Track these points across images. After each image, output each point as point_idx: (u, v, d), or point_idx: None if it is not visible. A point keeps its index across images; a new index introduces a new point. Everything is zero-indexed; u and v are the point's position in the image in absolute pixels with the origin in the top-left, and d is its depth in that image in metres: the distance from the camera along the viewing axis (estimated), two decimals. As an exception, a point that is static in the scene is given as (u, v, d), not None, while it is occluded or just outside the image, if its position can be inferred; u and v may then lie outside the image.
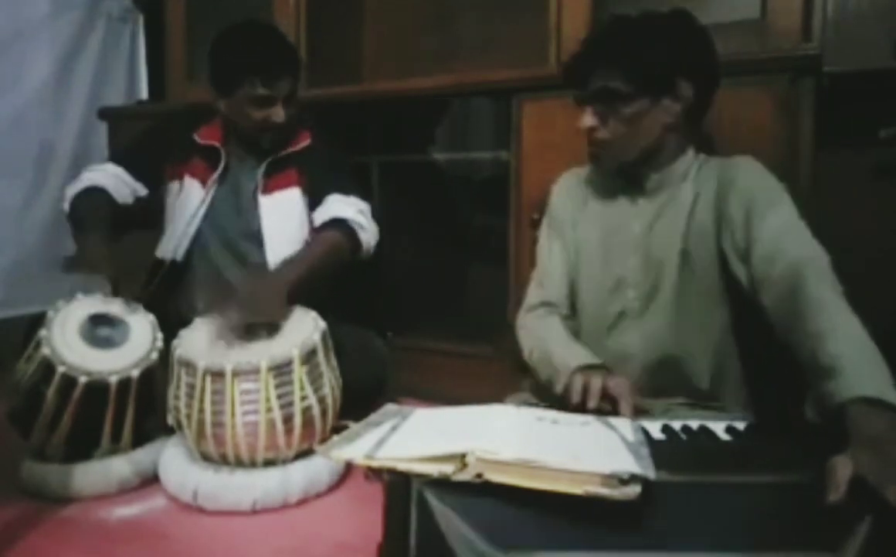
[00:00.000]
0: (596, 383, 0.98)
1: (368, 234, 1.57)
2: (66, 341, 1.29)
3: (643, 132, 1.14)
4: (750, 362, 1.16)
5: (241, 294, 1.35)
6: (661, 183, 1.19)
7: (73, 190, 1.56)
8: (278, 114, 1.55)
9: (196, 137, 1.64)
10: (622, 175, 1.23)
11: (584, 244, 1.25)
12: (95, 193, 1.54)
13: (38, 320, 1.32)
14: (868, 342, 0.83)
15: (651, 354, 1.16)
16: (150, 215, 1.66)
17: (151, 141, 1.71)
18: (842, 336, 0.84)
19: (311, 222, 1.61)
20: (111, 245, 1.42)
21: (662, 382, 1.16)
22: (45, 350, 1.25)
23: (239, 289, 1.38)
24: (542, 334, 1.19)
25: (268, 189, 1.61)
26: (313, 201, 1.61)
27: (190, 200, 1.62)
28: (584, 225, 1.26)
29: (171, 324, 1.40)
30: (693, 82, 1.12)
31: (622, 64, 1.12)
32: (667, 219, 1.17)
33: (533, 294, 1.29)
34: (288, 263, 1.44)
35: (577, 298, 1.26)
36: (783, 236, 1.03)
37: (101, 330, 1.35)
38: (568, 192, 1.31)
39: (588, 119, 1.16)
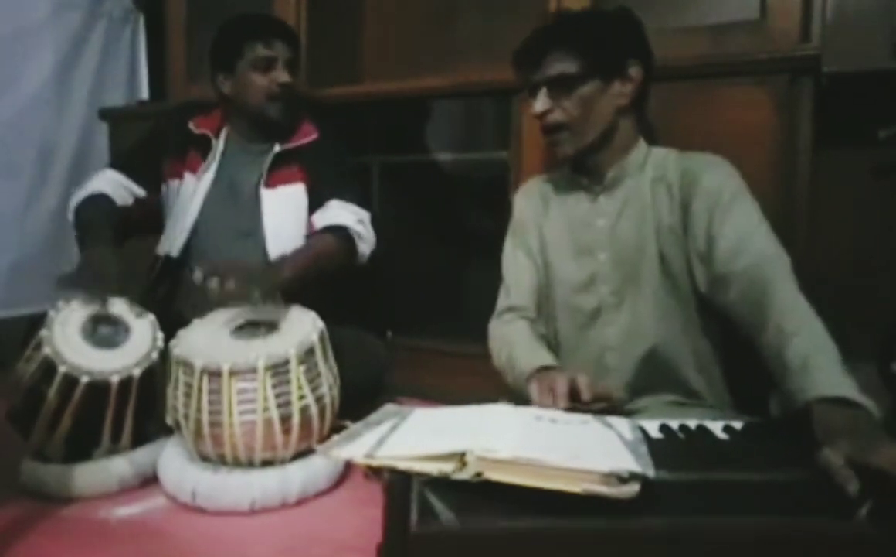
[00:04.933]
0: (560, 384, 0.97)
1: (366, 243, 1.59)
2: (68, 340, 1.29)
3: (597, 114, 1.17)
4: (734, 361, 1.17)
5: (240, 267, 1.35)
6: (620, 176, 1.21)
7: (76, 200, 1.57)
8: (282, 75, 1.57)
9: (191, 126, 1.65)
10: (582, 170, 1.24)
11: (552, 246, 1.27)
12: (99, 200, 1.56)
13: (39, 321, 1.32)
14: (831, 344, 0.88)
15: (634, 348, 1.17)
16: (151, 217, 1.66)
17: (148, 142, 1.71)
18: (808, 337, 0.88)
19: (309, 222, 1.60)
20: (117, 258, 1.41)
21: (649, 378, 1.16)
22: (47, 350, 1.25)
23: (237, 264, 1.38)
24: (508, 339, 1.20)
25: (271, 183, 1.61)
26: (313, 201, 1.61)
27: (187, 194, 1.62)
28: (549, 227, 1.28)
29: (170, 324, 1.40)
30: (641, 65, 1.17)
31: (575, 47, 1.15)
32: (631, 212, 1.19)
33: (501, 301, 1.31)
34: (284, 259, 1.45)
35: (550, 299, 1.27)
36: (748, 233, 1.06)
37: (101, 330, 1.35)
38: (529, 199, 1.34)
39: (542, 102, 1.18)
